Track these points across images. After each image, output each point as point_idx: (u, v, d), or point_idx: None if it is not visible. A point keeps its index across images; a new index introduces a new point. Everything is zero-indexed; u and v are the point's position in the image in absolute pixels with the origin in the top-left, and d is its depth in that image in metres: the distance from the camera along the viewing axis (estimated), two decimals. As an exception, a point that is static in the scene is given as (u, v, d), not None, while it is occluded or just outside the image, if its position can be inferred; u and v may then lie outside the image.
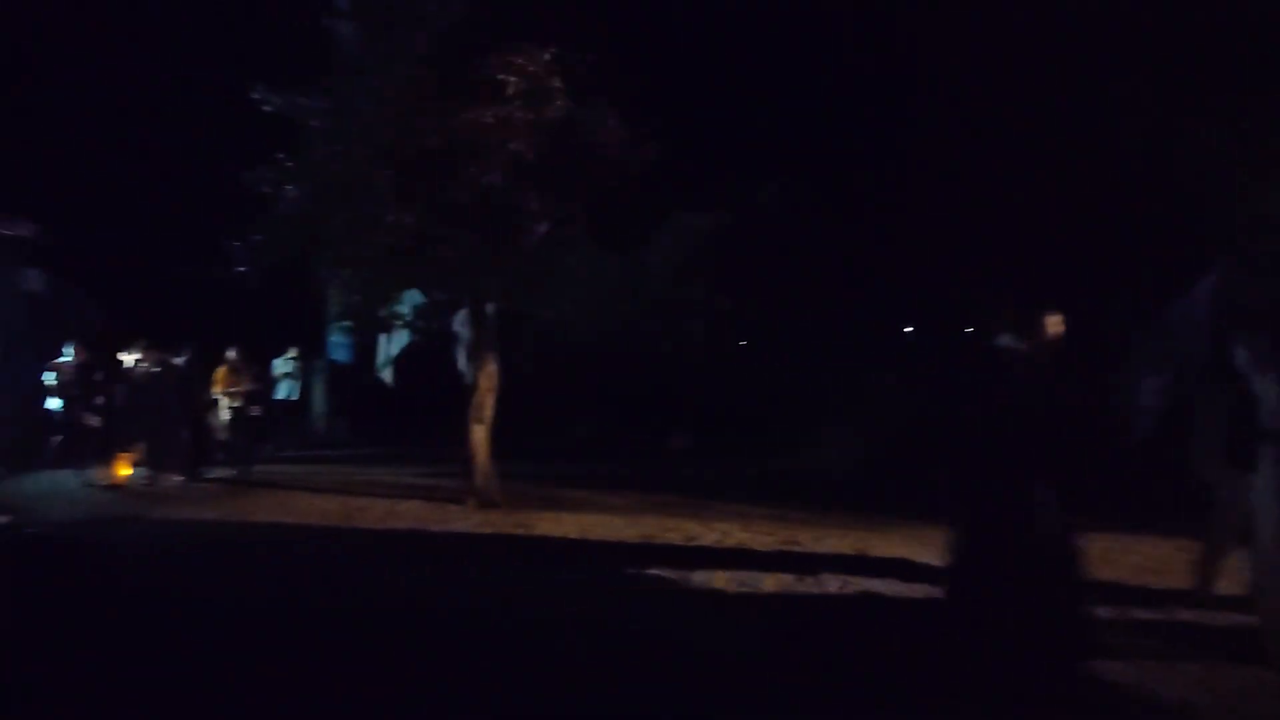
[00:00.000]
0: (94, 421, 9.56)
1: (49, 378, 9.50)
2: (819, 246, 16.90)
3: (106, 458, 9.50)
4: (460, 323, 9.04)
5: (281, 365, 12.34)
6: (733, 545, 6.86)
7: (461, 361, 9.07)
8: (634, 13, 10.83)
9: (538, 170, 7.66)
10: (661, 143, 8.02)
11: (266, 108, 7.74)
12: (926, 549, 5.75)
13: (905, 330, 18.24)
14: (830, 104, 15.27)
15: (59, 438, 9.55)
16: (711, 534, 7.24)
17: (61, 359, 9.62)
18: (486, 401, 8.31)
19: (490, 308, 8.33)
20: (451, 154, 7.22)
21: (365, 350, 14.21)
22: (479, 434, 8.27)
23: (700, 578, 5.66)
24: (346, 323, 9.16)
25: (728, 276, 15.85)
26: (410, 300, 9.39)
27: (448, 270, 7.77)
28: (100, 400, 9.63)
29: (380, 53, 7.42)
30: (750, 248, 16.70)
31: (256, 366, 10.99)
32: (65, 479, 9.31)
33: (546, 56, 7.16)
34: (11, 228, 10.50)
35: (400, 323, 9.38)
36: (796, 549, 6.65)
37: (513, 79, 7.00)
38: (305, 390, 12.84)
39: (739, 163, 16.63)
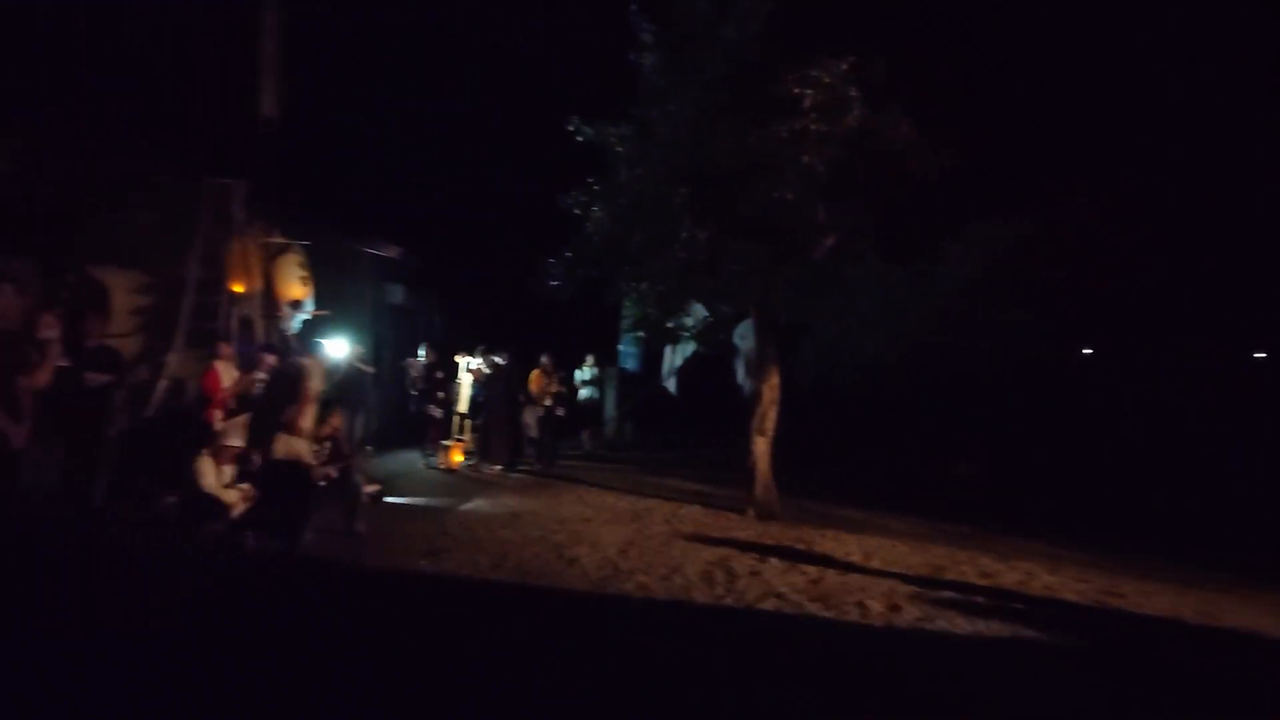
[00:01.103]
0: (437, 413, 10.99)
1: (406, 374, 11.02)
2: (1142, 257, 14.54)
3: (445, 445, 10.76)
4: (741, 336, 9.02)
5: (583, 373, 13.29)
6: (1040, 591, 6.11)
7: (740, 374, 9.05)
8: (926, 15, 10.12)
9: (829, 183, 7.39)
10: (959, 147, 7.33)
11: (579, 138, 8.35)
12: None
13: (1255, 356, 15.07)
14: (1151, 95, 13.10)
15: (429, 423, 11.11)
16: (1012, 573, 6.44)
17: (415, 359, 11.08)
18: (769, 414, 8.19)
19: (775, 321, 8.16)
20: (744, 171, 7.19)
21: (652, 360, 14.82)
22: (760, 446, 8.17)
23: (1003, 629, 4.95)
24: (638, 333, 9.55)
25: (1028, 290, 14.19)
26: (695, 313, 9.46)
27: (736, 283, 7.78)
28: (442, 395, 10.97)
29: (679, 79, 7.63)
30: (1056, 258, 14.81)
31: (563, 372, 11.89)
32: (413, 460, 10.76)
33: (844, 66, 6.85)
34: (382, 250, 12.45)
35: (686, 334, 9.54)
36: (1121, 605, 5.67)
37: (809, 92, 6.81)
38: (599, 396, 13.71)
39: (1045, 164, 14.85)
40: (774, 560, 6.51)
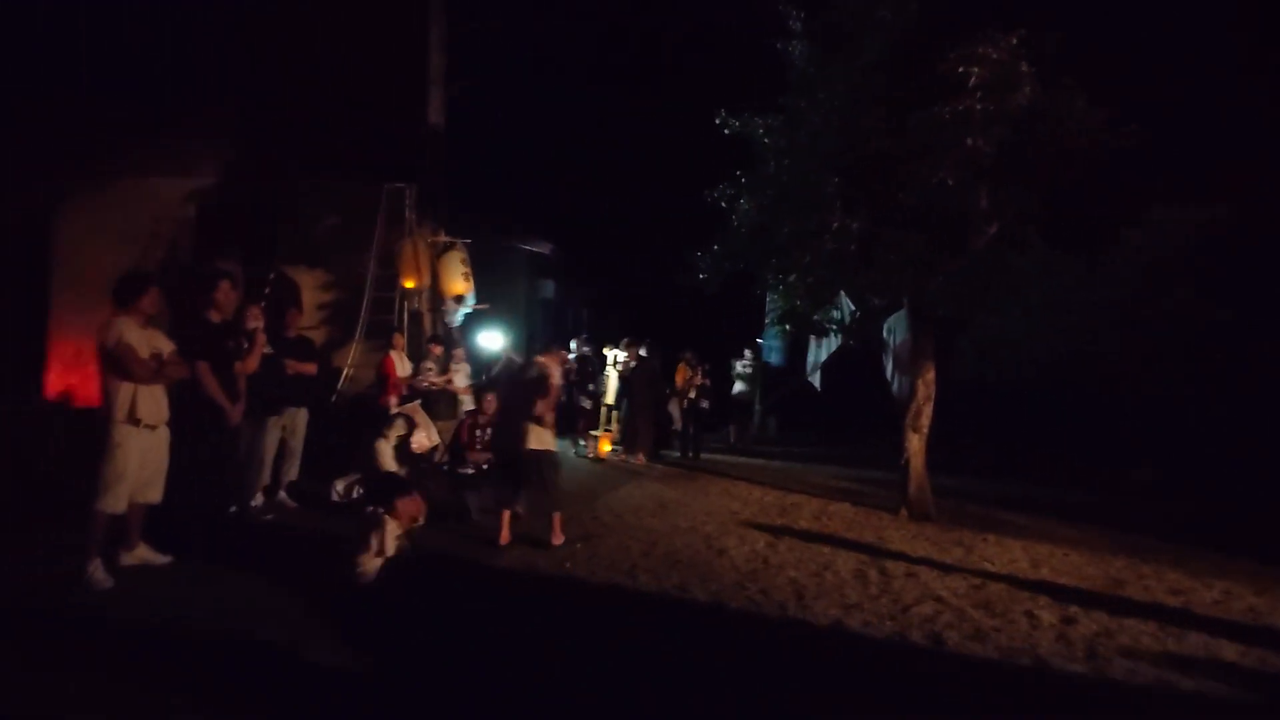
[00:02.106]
0: (586, 404, 11.24)
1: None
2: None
3: (594, 435, 11.14)
4: (890, 329, 8.59)
5: (740, 366, 13.21)
6: (1242, 615, 5.38)
7: (889, 369, 8.61)
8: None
9: (993, 166, 6.87)
10: (1140, 125, 6.60)
11: (726, 131, 8.27)
12: None
13: None
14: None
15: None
16: (1207, 591, 5.74)
17: (563, 351, 11.41)
18: (924, 410, 7.76)
19: (931, 314, 7.71)
20: (900, 157, 6.81)
21: (796, 354, 14.50)
22: (915, 443, 7.76)
23: (1197, 649, 4.41)
24: (783, 327, 9.32)
25: (1217, 281, 12.73)
26: (843, 306, 9.27)
27: (889, 275, 7.37)
28: (591, 387, 11.24)
29: (830, 66, 7.34)
30: (1250, 247, 13.21)
31: (707, 365, 11.87)
32: (564, 449, 11.03)
33: (1014, 41, 6.34)
34: (536, 246, 12.94)
35: (833, 328, 9.20)
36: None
37: (975, 70, 6.34)
38: (750, 390, 13.56)
39: (1238, 145, 13.23)
40: (931, 562, 6.04)
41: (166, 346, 4.93)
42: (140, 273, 5.44)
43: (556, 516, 6.25)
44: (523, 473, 6.23)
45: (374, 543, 4.93)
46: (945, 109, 6.52)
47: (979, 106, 6.52)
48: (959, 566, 6.05)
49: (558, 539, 6.19)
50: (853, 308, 9.27)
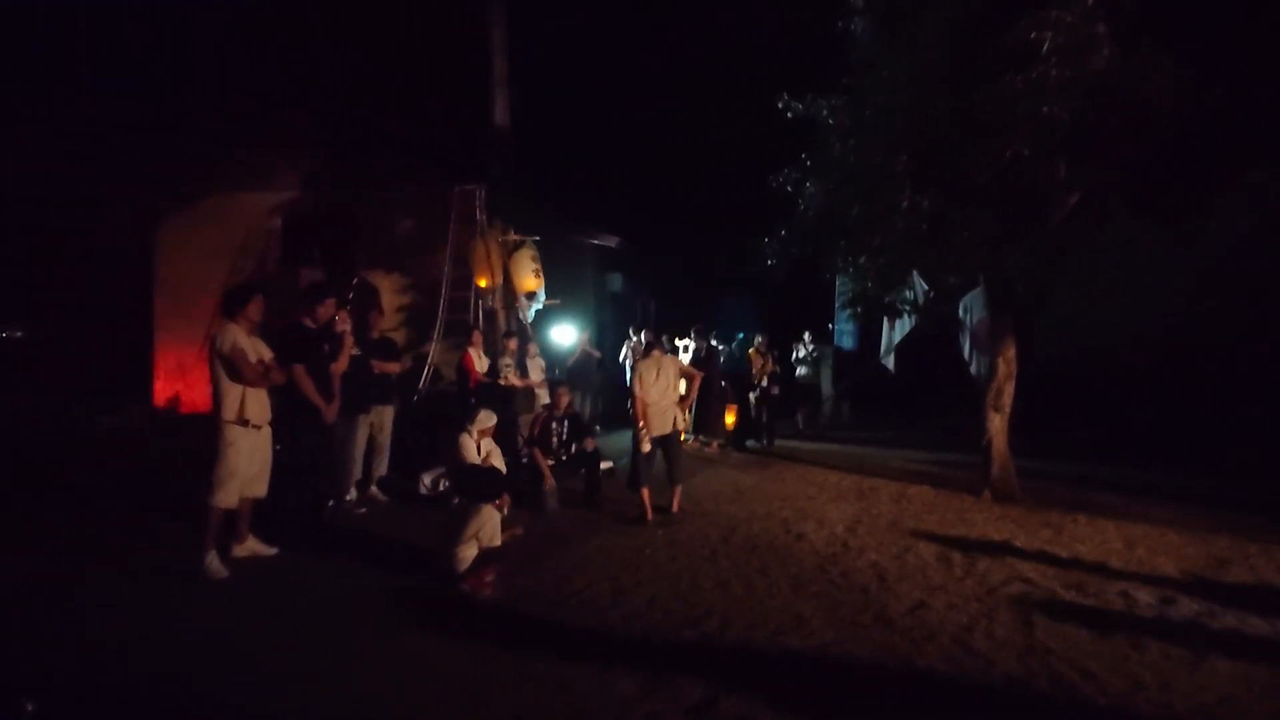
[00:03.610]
0: None
1: (624, 357, 11.90)
2: None
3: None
4: (966, 308, 8.36)
5: (800, 351, 13.10)
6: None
7: (966, 349, 8.38)
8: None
9: (1070, 135, 6.59)
10: (1231, 87, 6.20)
11: (789, 115, 8.20)
12: None
13: None
14: None
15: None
16: (1322, 569, 5.38)
17: (637, 341, 11.77)
18: (1005, 389, 7.55)
19: (1008, 290, 7.47)
20: (971, 131, 6.61)
21: (869, 338, 14.26)
22: (996, 423, 7.56)
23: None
24: (854, 310, 9.17)
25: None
26: (916, 286, 9.07)
27: (963, 253, 7.18)
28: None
29: (894, 42, 7.16)
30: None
31: (777, 351, 11.80)
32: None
33: (1089, 2, 6.05)
34: (603, 240, 13.11)
35: (906, 309, 9.01)
36: None
37: (1047, 35, 6.09)
38: (815, 375, 13.43)
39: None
40: (1018, 543, 5.88)
41: (267, 353, 5.27)
42: (246, 284, 5.86)
43: (678, 489, 7.10)
44: (666, 450, 7.02)
45: (469, 531, 5.07)
46: (1017, 78, 6.25)
47: (1053, 74, 6.24)
48: (1047, 548, 5.89)
49: (676, 508, 7.02)
50: (926, 287, 9.05)
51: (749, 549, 5.90)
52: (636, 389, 6.82)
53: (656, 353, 7.08)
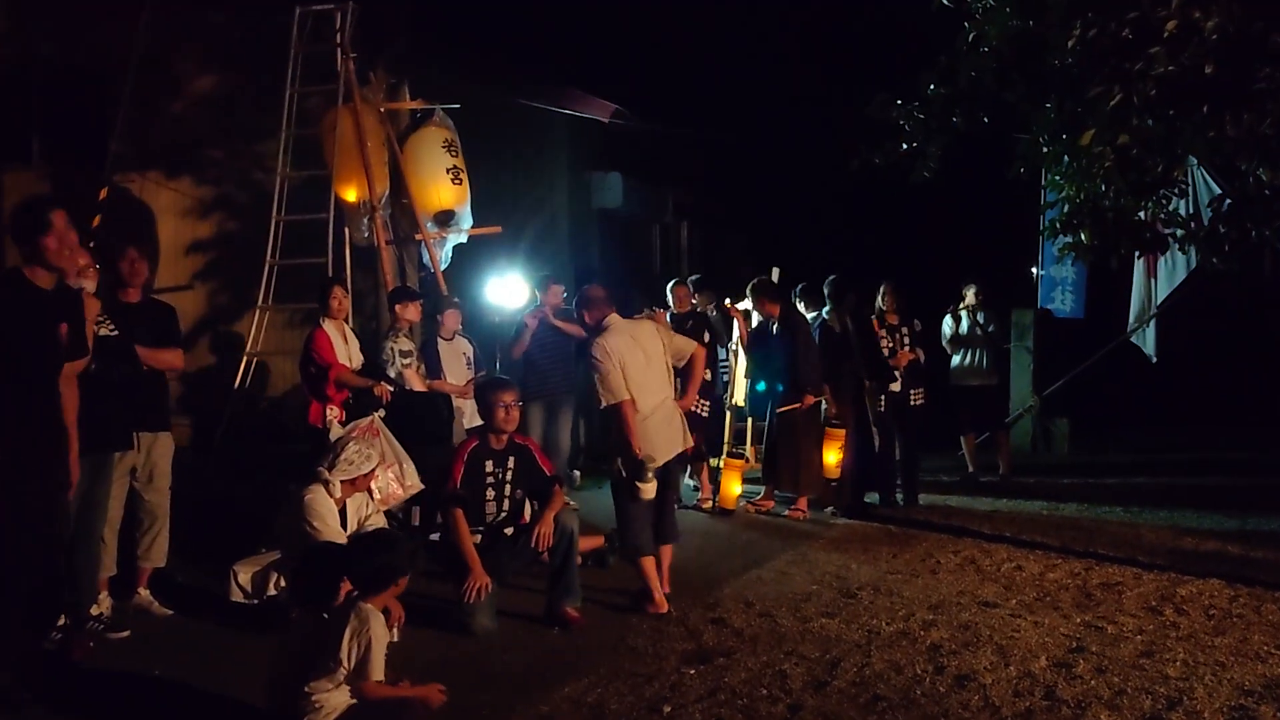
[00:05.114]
0: (702, 407, 9.50)
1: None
2: None
3: (713, 464, 9.96)
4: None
5: (958, 321, 10.13)
6: None
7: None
8: None
9: None
10: None
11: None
12: None
13: None
14: None
15: None
16: None
17: (659, 309, 10.71)
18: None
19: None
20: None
21: (1105, 295, 11.53)
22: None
23: None
24: (1074, 239, 7.53)
25: None
26: (1195, 188, 6.80)
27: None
28: (707, 374, 9.96)
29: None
30: None
31: (918, 323, 9.28)
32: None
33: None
34: (587, 111, 10.95)
35: (1178, 234, 6.62)
36: None
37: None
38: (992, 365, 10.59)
39: None
40: None
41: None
42: None
43: (668, 552, 5.91)
44: (661, 480, 5.71)
45: (331, 665, 3.50)
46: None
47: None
48: None
49: (667, 584, 5.82)
50: (1217, 190, 6.93)
51: (864, 705, 4.41)
52: (614, 387, 5.18)
53: (616, 319, 5.28)
